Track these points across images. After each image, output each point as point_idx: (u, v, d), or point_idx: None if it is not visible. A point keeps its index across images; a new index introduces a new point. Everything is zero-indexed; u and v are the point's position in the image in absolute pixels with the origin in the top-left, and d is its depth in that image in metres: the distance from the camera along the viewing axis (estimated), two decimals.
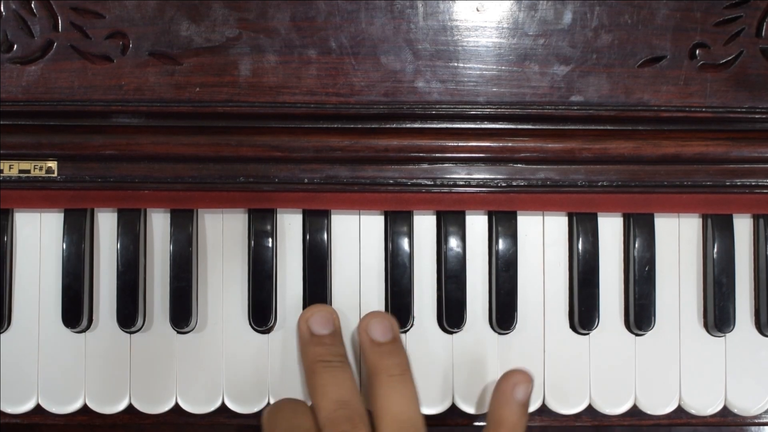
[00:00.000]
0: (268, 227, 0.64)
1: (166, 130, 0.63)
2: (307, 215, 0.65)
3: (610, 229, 0.66)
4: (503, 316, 0.64)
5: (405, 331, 0.65)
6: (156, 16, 0.61)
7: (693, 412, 0.66)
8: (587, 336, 0.66)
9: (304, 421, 0.56)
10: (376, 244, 0.65)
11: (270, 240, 0.64)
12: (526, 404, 0.59)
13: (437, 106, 0.62)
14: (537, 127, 0.63)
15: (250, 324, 0.65)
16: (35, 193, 0.64)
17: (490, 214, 0.65)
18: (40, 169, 0.63)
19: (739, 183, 0.64)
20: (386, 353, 0.59)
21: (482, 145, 0.63)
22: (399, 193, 0.64)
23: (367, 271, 0.65)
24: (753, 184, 0.64)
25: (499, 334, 0.65)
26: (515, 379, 0.59)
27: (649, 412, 0.65)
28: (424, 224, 0.66)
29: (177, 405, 0.65)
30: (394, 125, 0.63)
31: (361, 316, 0.65)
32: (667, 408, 0.65)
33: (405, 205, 0.64)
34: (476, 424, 0.66)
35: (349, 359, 0.64)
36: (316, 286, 0.64)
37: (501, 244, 0.64)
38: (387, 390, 0.57)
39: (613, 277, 0.66)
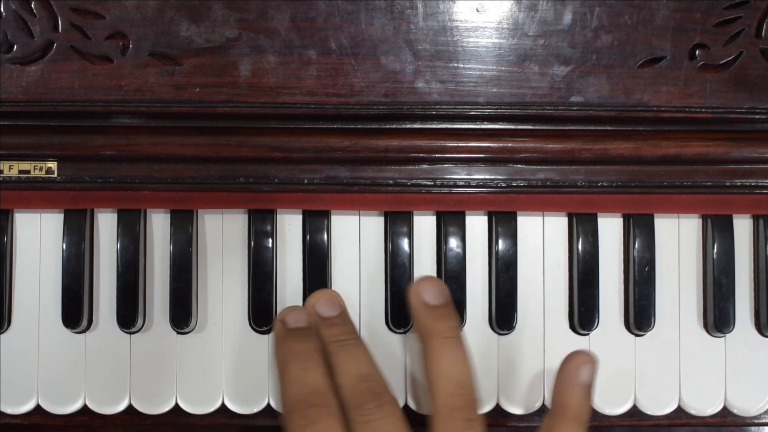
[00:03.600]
0: (268, 228, 0.64)
1: (166, 130, 0.63)
2: (307, 215, 0.65)
3: (610, 229, 0.66)
4: (503, 316, 0.64)
5: (405, 331, 0.65)
6: (156, 16, 0.61)
7: (693, 412, 0.66)
8: (587, 336, 0.66)
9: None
10: (376, 245, 0.66)
11: (270, 240, 0.64)
12: (591, 386, 0.58)
13: (437, 107, 0.62)
14: (537, 127, 0.63)
15: (250, 324, 0.65)
16: (35, 194, 0.64)
17: (490, 215, 0.65)
18: (40, 169, 0.63)
19: (739, 183, 0.64)
20: (439, 316, 0.58)
21: (482, 146, 0.63)
22: (399, 194, 0.64)
23: (367, 271, 0.65)
24: (753, 184, 0.64)
25: (499, 334, 0.65)
26: (578, 360, 0.58)
27: (648, 412, 0.65)
28: (424, 224, 0.66)
29: (177, 405, 0.65)
30: (394, 126, 0.63)
31: (361, 316, 0.65)
32: (666, 408, 0.65)
33: (405, 206, 0.64)
34: None
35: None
36: (316, 286, 0.64)
37: (501, 245, 0.64)
38: (441, 352, 0.56)
39: (613, 277, 0.66)
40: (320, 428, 0.53)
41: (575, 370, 0.58)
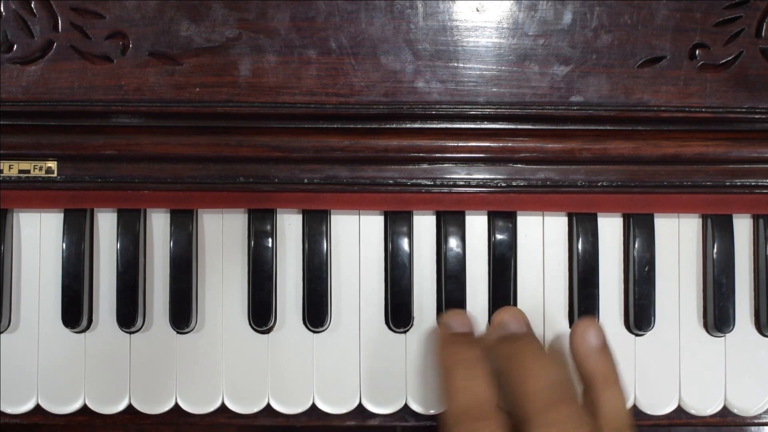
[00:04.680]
0: (268, 227, 0.64)
1: (166, 130, 0.63)
2: (306, 215, 0.65)
3: (610, 229, 0.66)
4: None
5: (405, 331, 0.65)
6: (156, 16, 0.61)
7: (693, 412, 0.66)
8: None
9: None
10: (375, 244, 0.66)
11: (270, 240, 0.64)
12: (605, 346, 0.58)
13: (437, 107, 0.62)
14: (537, 127, 0.63)
15: (250, 324, 0.65)
16: (35, 193, 0.64)
17: (489, 215, 0.65)
18: (40, 169, 0.63)
19: (739, 183, 0.64)
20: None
21: (482, 146, 0.63)
22: (399, 193, 0.64)
23: (367, 271, 0.65)
24: (753, 184, 0.64)
25: None
26: (581, 329, 0.59)
27: (648, 412, 0.65)
28: (424, 224, 0.66)
29: (177, 405, 0.65)
30: (394, 125, 0.63)
31: (361, 316, 0.65)
32: (666, 408, 0.65)
33: (405, 205, 0.64)
34: None
35: (354, 355, 0.64)
36: (316, 286, 0.64)
37: (501, 245, 0.64)
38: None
39: (613, 277, 0.66)
40: None
41: (582, 339, 0.58)
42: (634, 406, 0.65)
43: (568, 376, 0.57)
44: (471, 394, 0.55)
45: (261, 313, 0.64)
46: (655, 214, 0.65)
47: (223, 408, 0.65)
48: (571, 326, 0.66)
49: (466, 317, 0.61)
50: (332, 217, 0.65)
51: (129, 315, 0.64)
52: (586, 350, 0.58)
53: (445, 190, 0.63)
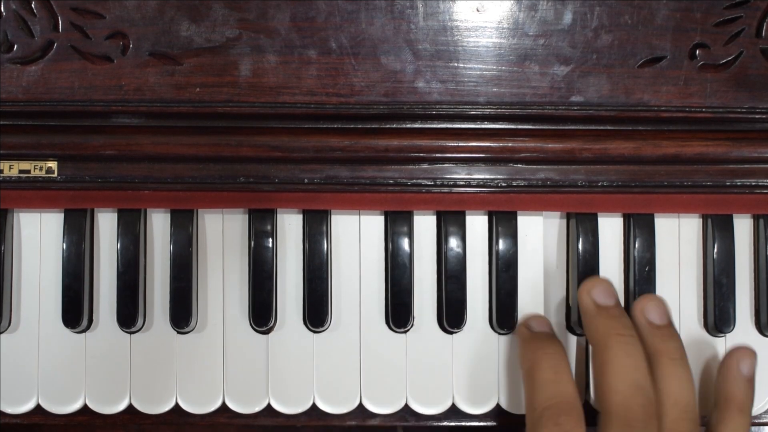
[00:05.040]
0: (268, 227, 0.64)
1: (166, 130, 0.63)
2: (307, 215, 0.65)
3: (610, 229, 0.66)
4: (503, 316, 0.64)
5: (405, 331, 0.65)
6: (156, 16, 0.61)
7: None
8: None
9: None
10: (376, 244, 0.66)
11: (270, 240, 0.64)
12: (752, 379, 0.60)
13: (437, 107, 0.62)
14: (537, 127, 0.63)
15: (251, 324, 0.65)
16: (35, 193, 0.64)
17: (490, 214, 0.65)
18: (40, 169, 0.63)
19: (739, 183, 0.64)
20: (667, 336, 0.58)
21: (482, 146, 0.63)
22: (399, 193, 0.64)
23: (367, 271, 0.65)
24: (753, 184, 0.64)
25: (500, 334, 0.65)
26: (739, 354, 0.60)
27: None
28: (424, 224, 0.66)
29: (177, 405, 0.65)
30: (395, 125, 0.63)
31: (361, 316, 0.65)
32: None
33: (405, 205, 0.64)
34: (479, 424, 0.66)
35: (354, 355, 0.64)
36: (316, 286, 0.64)
37: (501, 244, 0.64)
38: (669, 373, 0.56)
39: (614, 277, 0.66)
40: None
41: (736, 364, 0.60)
42: None
43: (695, 402, 0.57)
44: (556, 389, 0.56)
45: (261, 313, 0.64)
46: (656, 214, 0.65)
47: (223, 408, 0.65)
48: (570, 327, 0.66)
49: (545, 319, 0.63)
50: (332, 217, 0.65)
51: (129, 315, 0.64)
52: (736, 374, 0.59)
53: (446, 190, 0.63)
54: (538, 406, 0.55)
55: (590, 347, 0.60)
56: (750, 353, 0.61)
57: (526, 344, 0.60)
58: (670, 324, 0.60)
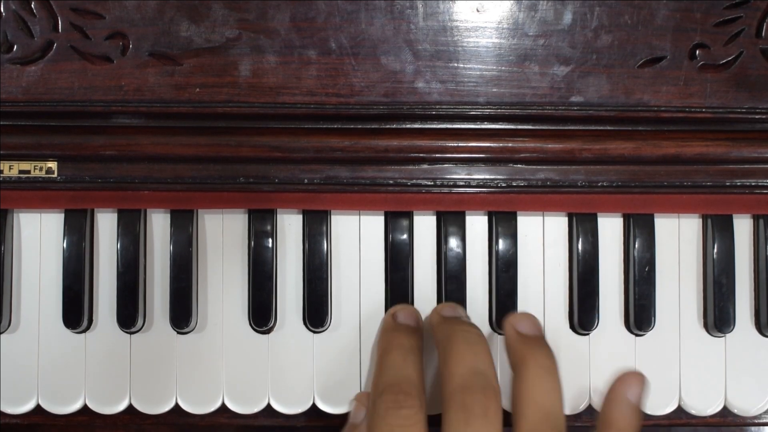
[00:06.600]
0: (268, 227, 0.64)
1: (166, 130, 0.63)
2: (307, 216, 0.65)
3: (610, 229, 0.66)
4: (503, 316, 0.64)
5: None
6: (156, 16, 0.61)
7: (693, 412, 0.66)
8: (587, 336, 0.66)
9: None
10: (376, 245, 0.66)
11: (270, 240, 0.64)
12: (638, 406, 0.58)
13: (437, 107, 0.62)
14: (537, 127, 0.63)
15: (250, 324, 0.65)
16: (35, 194, 0.64)
17: (490, 215, 0.65)
18: (40, 169, 0.63)
19: (739, 183, 0.64)
20: (536, 345, 0.57)
21: (482, 146, 0.63)
22: (399, 194, 0.64)
23: (367, 271, 0.65)
24: (753, 184, 0.64)
25: (499, 334, 0.65)
26: (628, 380, 0.58)
27: (648, 412, 0.65)
28: (424, 224, 0.66)
29: (177, 405, 0.65)
30: (394, 126, 0.63)
31: (361, 317, 0.65)
32: (667, 408, 0.65)
33: (405, 206, 0.64)
34: None
35: (354, 355, 0.64)
36: (316, 286, 0.64)
37: (501, 245, 0.64)
38: (535, 379, 0.55)
39: (613, 277, 0.66)
40: (405, 414, 0.52)
41: (623, 389, 0.58)
42: None
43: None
44: (401, 372, 0.55)
45: (261, 313, 0.64)
46: (655, 214, 0.65)
47: (223, 408, 0.65)
48: (571, 327, 0.66)
49: (414, 311, 0.62)
50: (332, 217, 0.65)
51: (129, 315, 0.64)
52: (621, 398, 0.57)
53: (446, 190, 0.63)
54: (381, 384, 0.55)
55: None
56: (641, 380, 0.58)
57: (384, 333, 0.61)
58: (540, 336, 0.58)
